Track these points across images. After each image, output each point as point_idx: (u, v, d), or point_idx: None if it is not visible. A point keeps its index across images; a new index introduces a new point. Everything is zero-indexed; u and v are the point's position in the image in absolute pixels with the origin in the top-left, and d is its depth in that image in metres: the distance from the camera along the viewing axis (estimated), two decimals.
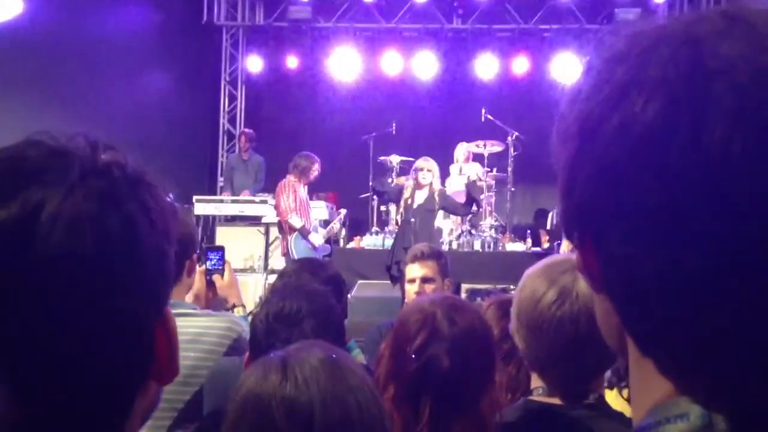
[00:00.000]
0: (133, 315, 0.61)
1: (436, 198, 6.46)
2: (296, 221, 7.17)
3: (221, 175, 11.40)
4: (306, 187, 7.53)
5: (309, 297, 1.83)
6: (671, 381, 0.52)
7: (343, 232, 9.31)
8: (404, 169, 8.11)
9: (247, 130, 9.86)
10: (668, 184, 0.47)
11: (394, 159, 8.75)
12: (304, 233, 7.20)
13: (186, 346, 2.12)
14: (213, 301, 2.58)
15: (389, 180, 8.61)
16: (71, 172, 0.59)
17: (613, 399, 1.86)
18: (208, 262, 2.54)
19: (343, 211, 8.70)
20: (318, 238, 7.34)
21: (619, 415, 1.48)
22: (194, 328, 2.15)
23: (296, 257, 6.95)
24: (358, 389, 1.17)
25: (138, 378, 0.64)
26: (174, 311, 2.27)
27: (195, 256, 2.31)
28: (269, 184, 9.20)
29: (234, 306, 2.53)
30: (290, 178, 7.33)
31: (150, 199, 0.63)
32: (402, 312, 1.64)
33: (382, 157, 9.03)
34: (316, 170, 7.41)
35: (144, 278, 0.61)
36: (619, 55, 0.51)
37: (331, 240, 8.40)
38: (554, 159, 0.56)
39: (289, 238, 7.26)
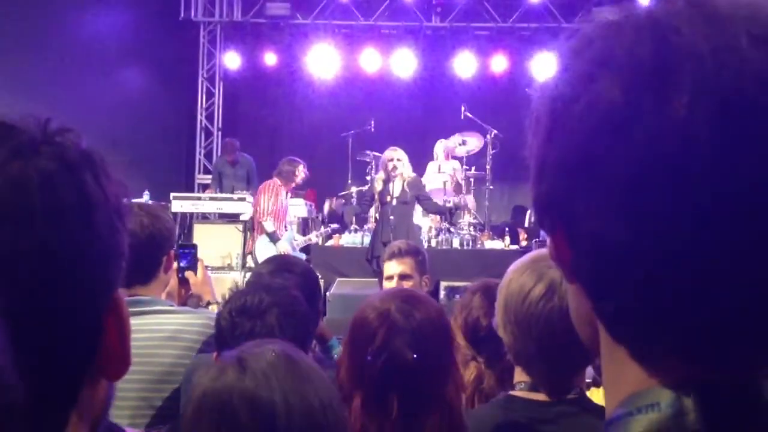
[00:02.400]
0: (82, 290, 0.56)
1: (408, 188, 6.48)
2: (269, 226, 7.13)
3: (199, 173, 11.35)
4: (289, 193, 7.48)
5: (270, 289, 1.83)
6: (642, 365, 0.52)
7: (322, 229, 9.29)
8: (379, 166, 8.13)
9: (228, 139, 9.62)
10: (634, 157, 0.48)
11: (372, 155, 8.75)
12: (273, 239, 7.16)
13: (165, 343, 2.10)
14: (187, 298, 2.57)
15: (366, 177, 8.61)
16: (17, 140, 0.55)
17: (601, 397, 1.87)
18: (180, 261, 2.53)
19: (334, 226, 8.59)
20: (285, 246, 7.27)
21: (600, 410, 1.50)
22: (173, 326, 2.14)
23: (258, 259, 6.95)
24: (318, 385, 1.15)
25: (81, 366, 0.58)
26: (151, 308, 2.24)
27: (172, 252, 2.29)
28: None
29: (208, 303, 2.52)
30: (276, 181, 7.29)
31: (103, 174, 0.59)
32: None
33: (364, 152, 9.03)
34: (301, 173, 7.37)
35: (96, 251, 0.57)
36: (586, 42, 0.53)
37: (311, 248, 8.33)
38: (527, 151, 0.58)
39: (257, 238, 7.22)
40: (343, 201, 7.29)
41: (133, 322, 2.01)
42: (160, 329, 2.12)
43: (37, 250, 0.53)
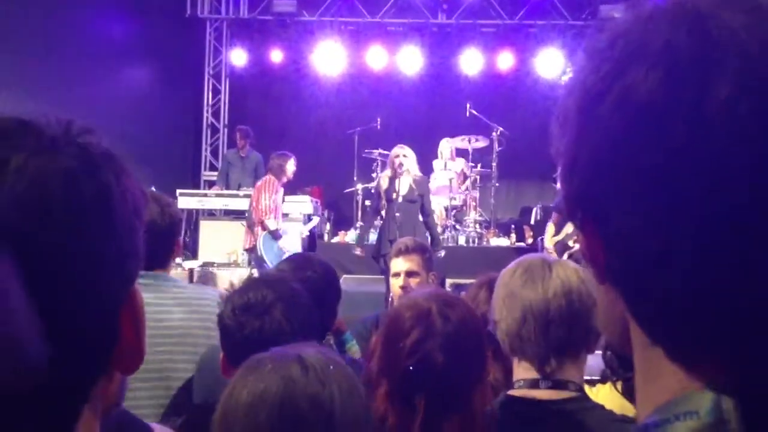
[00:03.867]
0: (99, 287, 0.56)
1: (415, 186, 6.48)
2: (272, 224, 7.15)
3: (205, 169, 11.37)
4: (283, 188, 7.49)
5: (271, 285, 1.84)
6: (680, 366, 0.50)
7: (328, 226, 9.31)
8: (386, 164, 8.14)
9: (242, 126, 9.72)
10: (672, 149, 0.46)
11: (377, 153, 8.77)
12: (276, 236, 7.19)
13: (184, 308, 2.24)
14: None
15: (373, 174, 8.62)
16: (41, 137, 0.55)
17: (607, 393, 1.86)
18: None
19: (316, 219, 8.65)
20: (285, 243, 7.33)
21: (599, 407, 1.50)
22: (188, 293, 2.27)
23: (264, 256, 6.98)
24: (357, 382, 1.19)
25: (95, 362, 0.58)
26: (173, 283, 2.34)
27: (179, 240, 2.37)
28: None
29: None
30: (272, 178, 7.30)
31: (123, 174, 0.60)
32: (395, 306, 1.62)
33: (370, 151, 9.04)
34: (292, 165, 7.35)
35: (114, 249, 0.57)
36: (617, 34, 0.51)
37: (311, 239, 8.36)
38: (554, 147, 0.56)
39: (259, 235, 7.24)
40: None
41: (161, 294, 2.09)
42: (176, 297, 2.26)
43: (55, 245, 0.53)
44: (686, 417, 0.48)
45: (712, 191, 0.45)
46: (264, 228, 7.17)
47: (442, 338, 1.50)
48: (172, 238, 2.28)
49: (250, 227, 7.41)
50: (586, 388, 1.61)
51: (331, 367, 1.17)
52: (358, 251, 7.02)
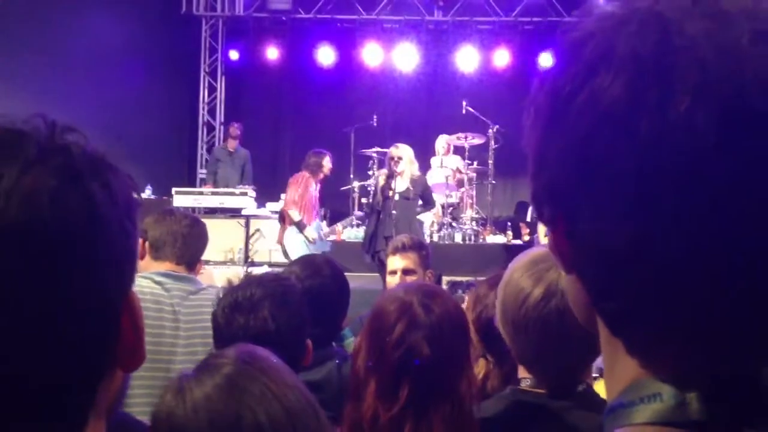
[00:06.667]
0: (96, 295, 0.58)
1: (412, 186, 6.48)
2: (295, 215, 7.21)
3: (201, 167, 11.35)
4: (319, 184, 7.50)
5: (261, 283, 1.86)
6: (640, 360, 0.52)
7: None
8: (383, 162, 8.12)
9: (235, 123, 9.84)
10: (635, 157, 0.48)
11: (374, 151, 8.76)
12: (300, 227, 7.25)
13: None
14: None
15: (369, 172, 8.60)
16: (28, 150, 0.56)
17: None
18: None
19: (358, 213, 8.67)
20: (312, 233, 7.34)
21: (605, 402, 1.49)
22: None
23: (288, 249, 7.01)
24: (262, 408, 1.13)
25: (101, 364, 0.60)
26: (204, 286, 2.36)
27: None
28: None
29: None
30: (305, 173, 7.35)
31: (111, 178, 0.60)
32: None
33: (367, 149, 9.03)
34: (327, 163, 7.41)
35: (107, 257, 0.58)
36: (588, 35, 0.52)
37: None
38: (525, 142, 0.57)
39: (286, 229, 7.29)
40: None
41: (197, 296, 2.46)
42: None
43: (49, 267, 0.54)
44: (650, 399, 0.50)
45: (673, 199, 0.47)
46: (290, 221, 7.22)
47: (426, 330, 1.51)
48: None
49: (280, 222, 7.48)
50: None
51: (217, 395, 1.12)
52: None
